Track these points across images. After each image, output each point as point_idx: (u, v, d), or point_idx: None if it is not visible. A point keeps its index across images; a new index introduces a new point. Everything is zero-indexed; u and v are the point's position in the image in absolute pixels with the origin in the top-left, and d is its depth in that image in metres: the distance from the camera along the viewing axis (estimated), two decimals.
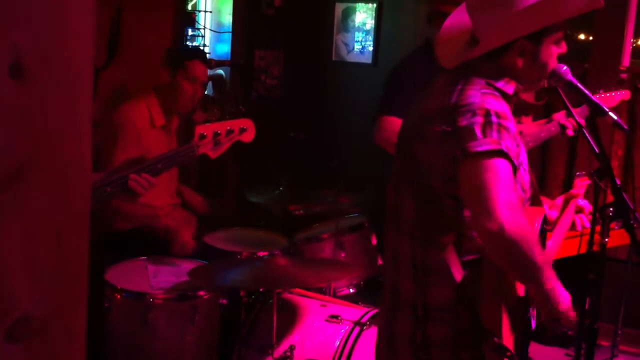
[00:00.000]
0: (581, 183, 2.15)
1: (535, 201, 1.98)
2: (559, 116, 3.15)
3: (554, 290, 1.71)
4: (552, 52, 1.84)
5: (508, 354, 1.74)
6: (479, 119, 1.69)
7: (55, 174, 0.74)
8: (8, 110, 0.69)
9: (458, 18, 1.94)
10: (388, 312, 1.91)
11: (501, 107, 1.73)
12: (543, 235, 1.96)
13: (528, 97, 3.76)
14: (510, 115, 1.76)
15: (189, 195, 3.68)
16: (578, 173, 2.20)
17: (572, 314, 1.77)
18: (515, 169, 1.70)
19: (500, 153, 1.66)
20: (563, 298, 1.74)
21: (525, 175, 1.85)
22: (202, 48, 4.83)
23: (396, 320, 1.87)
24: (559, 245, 2.07)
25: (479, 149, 1.66)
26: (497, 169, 1.65)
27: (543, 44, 1.82)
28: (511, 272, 1.77)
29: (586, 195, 2.13)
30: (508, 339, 1.77)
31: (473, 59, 1.83)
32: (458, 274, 1.75)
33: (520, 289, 1.85)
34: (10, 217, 0.71)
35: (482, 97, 1.73)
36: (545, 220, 1.97)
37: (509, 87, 1.83)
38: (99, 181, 2.33)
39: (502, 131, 1.68)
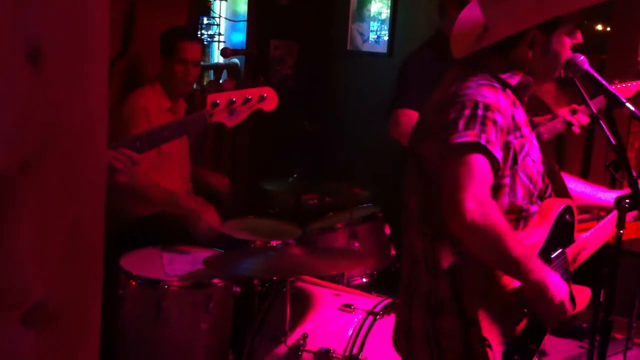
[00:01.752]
0: None
1: (561, 192, 1.98)
2: (564, 112, 3.07)
3: (543, 283, 1.71)
4: (565, 43, 1.83)
5: (487, 342, 1.75)
6: (466, 112, 1.71)
7: (70, 161, 0.75)
8: (25, 96, 0.70)
9: (473, 10, 1.93)
10: (404, 308, 1.93)
11: (495, 98, 1.74)
12: (566, 226, 1.96)
13: (550, 101, 3.72)
14: (506, 105, 1.77)
15: (209, 175, 3.67)
16: None
17: (567, 306, 1.76)
18: (495, 162, 1.71)
19: (477, 146, 1.68)
20: (557, 290, 1.73)
21: (534, 166, 1.85)
22: (217, 36, 4.83)
23: (413, 315, 1.89)
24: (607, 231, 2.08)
25: (457, 140, 1.69)
26: (470, 162, 1.67)
27: (554, 35, 1.81)
28: (490, 264, 1.77)
29: None
30: (491, 330, 1.77)
31: (484, 51, 1.84)
32: (445, 262, 1.79)
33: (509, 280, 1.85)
34: (25, 203, 0.71)
35: (477, 88, 1.75)
36: (569, 211, 1.96)
37: (513, 79, 1.84)
38: None
39: (487, 124, 1.70)
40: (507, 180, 1.79)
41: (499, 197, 1.80)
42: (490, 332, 1.76)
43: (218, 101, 2.32)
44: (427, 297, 1.84)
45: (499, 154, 1.71)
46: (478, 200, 1.63)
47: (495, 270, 1.79)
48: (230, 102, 2.34)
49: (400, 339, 1.94)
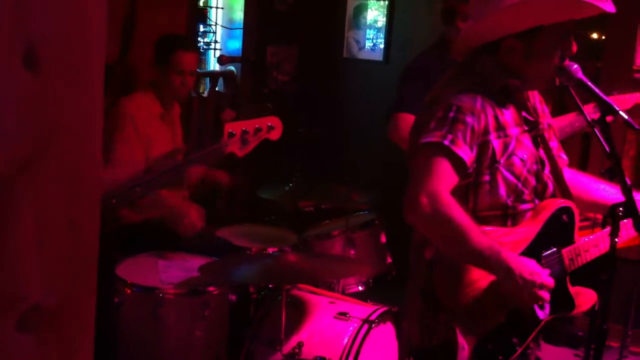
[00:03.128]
0: None
1: (563, 193, 2.02)
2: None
3: (508, 268, 1.75)
4: (549, 51, 1.86)
5: (457, 330, 1.83)
6: (439, 114, 1.82)
7: (67, 162, 0.75)
8: (22, 99, 0.70)
9: None
10: (409, 288, 2.00)
11: (471, 101, 1.82)
12: (563, 226, 1.97)
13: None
14: (484, 108, 1.84)
15: (211, 172, 3.65)
16: None
17: (535, 282, 1.77)
18: (460, 162, 1.79)
19: (440, 146, 1.77)
20: (522, 270, 1.76)
21: (523, 165, 1.90)
22: (213, 43, 4.84)
23: (413, 296, 1.97)
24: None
25: (423, 140, 1.80)
26: (431, 161, 1.78)
27: (534, 44, 1.85)
28: (454, 257, 1.83)
29: None
30: (463, 320, 1.83)
31: (477, 54, 1.91)
32: (428, 252, 1.86)
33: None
34: (23, 204, 0.72)
35: (457, 92, 1.84)
36: (566, 211, 1.97)
37: (500, 82, 1.90)
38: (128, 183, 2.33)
39: (456, 125, 1.79)
40: (486, 178, 1.86)
41: (479, 194, 1.87)
42: (461, 321, 1.82)
43: (234, 132, 2.39)
44: (424, 281, 1.91)
45: (466, 155, 1.79)
46: (431, 196, 1.73)
47: (464, 265, 1.84)
48: (244, 133, 2.41)
49: (407, 317, 2.03)
